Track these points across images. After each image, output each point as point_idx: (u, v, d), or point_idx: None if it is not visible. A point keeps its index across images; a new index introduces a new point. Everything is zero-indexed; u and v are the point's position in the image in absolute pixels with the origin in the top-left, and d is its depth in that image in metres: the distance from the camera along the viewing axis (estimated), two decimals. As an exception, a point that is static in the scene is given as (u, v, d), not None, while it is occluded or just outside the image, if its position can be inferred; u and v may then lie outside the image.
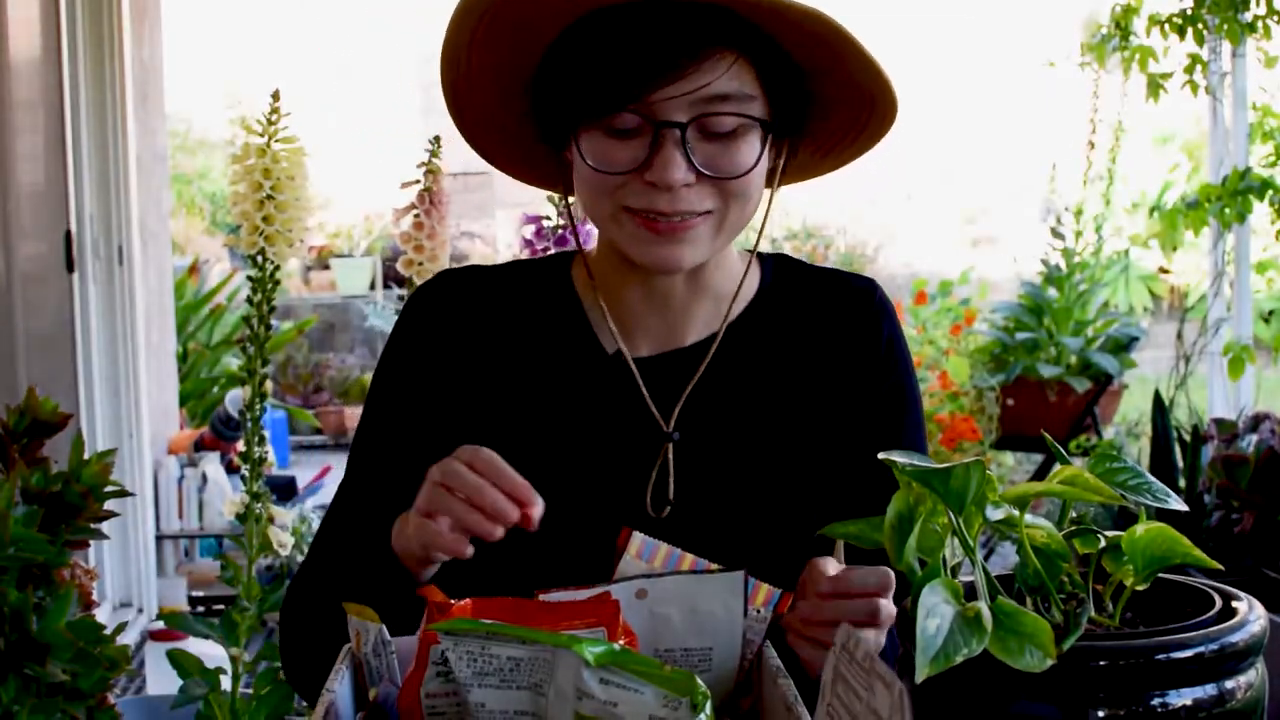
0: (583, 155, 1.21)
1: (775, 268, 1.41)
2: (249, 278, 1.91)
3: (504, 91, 1.29)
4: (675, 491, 1.30)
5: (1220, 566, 0.92)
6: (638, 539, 1.06)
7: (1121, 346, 4.82)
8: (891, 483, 1.10)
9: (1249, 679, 0.87)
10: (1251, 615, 0.88)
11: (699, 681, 0.83)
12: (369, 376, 2.81)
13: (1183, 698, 0.84)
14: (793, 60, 1.23)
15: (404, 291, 2.08)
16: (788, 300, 1.38)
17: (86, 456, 0.83)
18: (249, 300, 1.92)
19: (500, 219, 9.09)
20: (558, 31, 1.22)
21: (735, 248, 1.38)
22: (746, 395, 1.34)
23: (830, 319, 1.38)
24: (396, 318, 1.41)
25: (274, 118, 1.81)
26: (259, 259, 1.86)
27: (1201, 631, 0.86)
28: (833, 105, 1.29)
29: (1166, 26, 3.96)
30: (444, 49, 1.26)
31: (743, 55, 1.19)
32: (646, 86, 1.16)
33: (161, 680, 3.13)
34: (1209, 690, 0.85)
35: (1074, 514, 0.98)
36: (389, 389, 1.37)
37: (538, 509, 1.07)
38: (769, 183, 1.29)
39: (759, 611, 1.03)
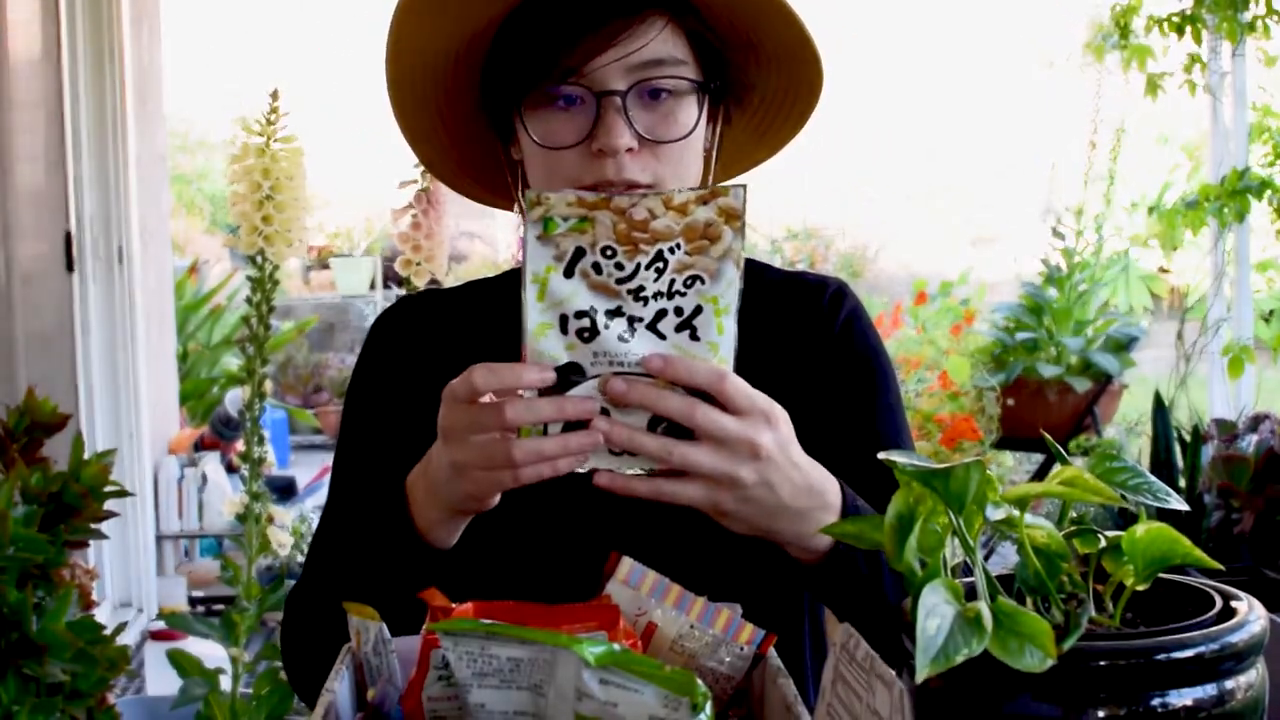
0: (530, 135, 1.25)
1: None
2: (248, 278, 1.92)
3: (448, 86, 1.32)
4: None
5: (1220, 566, 0.92)
6: (626, 564, 1.06)
7: (1122, 346, 4.82)
8: (869, 467, 1.15)
9: (1249, 679, 0.87)
10: (1252, 615, 0.88)
11: (699, 682, 0.83)
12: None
13: (1183, 698, 0.84)
14: (719, 27, 1.27)
15: (403, 291, 2.09)
16: (747, 301, 1.39)
17: (86, 456, 0.83)
18: (248, 300, 1.92)
19: (500, 219, 9.10)
20: (495, 14, 1.26)
21: None
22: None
23: (787, 315, 1.40)
24: (361, 345, 1.46)
25: (273, 118, 1.81)
26: (258, 259, 1.86)
27: (1201, 632, 0.86)
28: (762, 72, 1.33)
29: (1166, 26, 3.96)
30: (387, 48, 1.29)
31: (673, 19, 1.23)
32: (583, 55, 1.21)
33: (161, 680, 3.13)
34: (1209, 690, 0.85)
35: (1074, 514, 0.98)
36: (357, 416, 1.41)
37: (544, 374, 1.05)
38: (706, 164, 1.32)
39: (742, 649, 1.03)
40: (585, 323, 1.04)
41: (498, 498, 1.14)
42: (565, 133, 1.23)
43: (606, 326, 1.04)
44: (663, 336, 1.05)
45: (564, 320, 1.04)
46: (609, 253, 1.03)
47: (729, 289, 1.05)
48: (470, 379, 1.05)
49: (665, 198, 1.03)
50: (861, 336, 1.41)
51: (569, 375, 1.05)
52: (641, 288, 1.04)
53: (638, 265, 1.03)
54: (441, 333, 1.41)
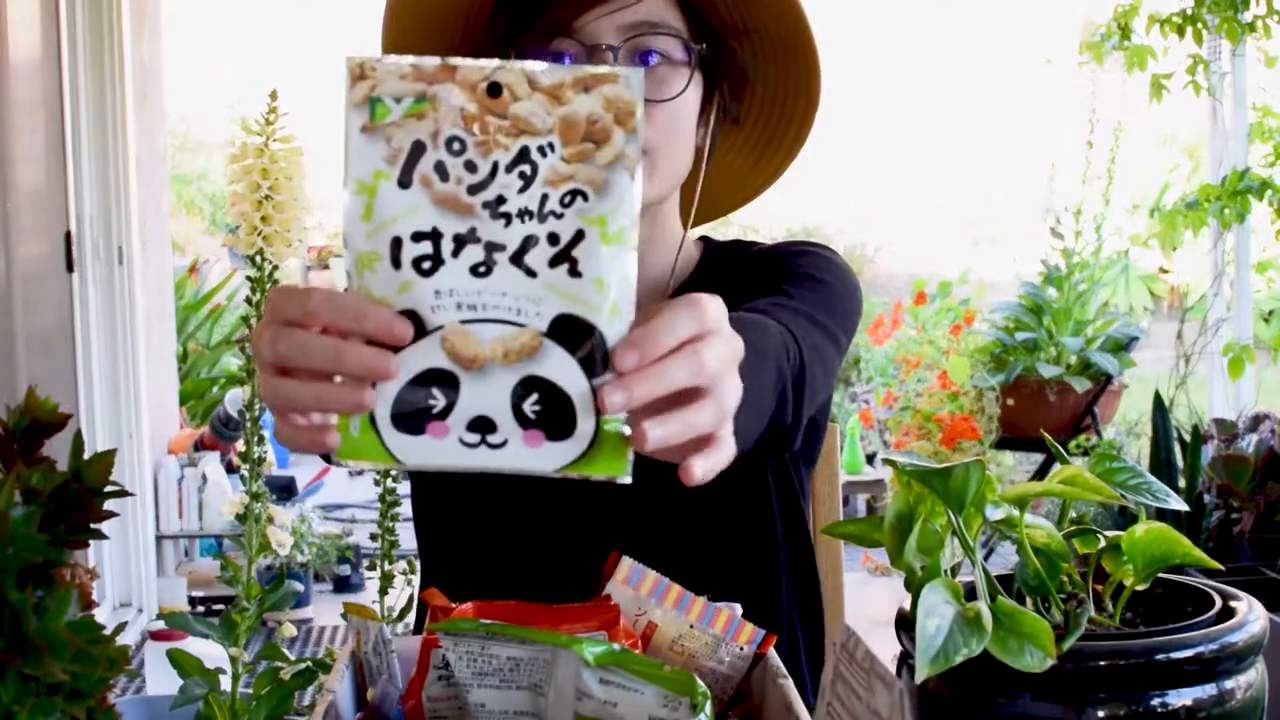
0: None
1: (717, 250, 1.42)
2: (248, 278, 1.91)
3: (454, 46, 1.33)
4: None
5: (1220, 566, 0.92)
6: (625, 564, 1.06)
7: (1121, 346, 4.82)
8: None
9: (1249, 679, 0.87)
10: (1251, 615, 0.88)
11: (699, 682, 0.83)
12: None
13: (1182, 698, 0.84)
14: (716, 11, 1.27)
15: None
16: (719, 276, 1.39)
17: (86, 456, 0.83)
18: (248, 300, 1.92)
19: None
20: None
21: (685, 238, 1.39)
22: None
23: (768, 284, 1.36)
24: None
25: (272, 117, 1.81)
26: (257, 259, 1.86)
27: (1201, 631, 0.86)
28: (758, 61, 1.32)
29: (1166, 26, 3.96)
30: (388, 19, 1.31)
31: None
32: (575, 10, 1.20)
33: (161, 680, 3.13)
34: (1209, 690, 0.85)
35: (1074, 514, 0.98)
36: None
37: (402, 328, 0.76)
38: (697, 160, 1.30)
39: (742, 649, 1.03)
40: (426, 249, 0.77)
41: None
42: None
43: (455, 255, 0.77)
44: (532, 273, 0.77)
45: (397, 246, 0.77)
46: (456, 147, 0.77)
47: (621, 207, 0.77)
48: (306, 302, 0.78)
49: (528, 72, 0.77)
50: (802, 254, 1.35)
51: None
52: (501, 199, 0.77)
53: (494, 165, 0.77)
54: None
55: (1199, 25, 3.90)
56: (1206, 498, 3.12)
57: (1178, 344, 4.25)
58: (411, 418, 0.76)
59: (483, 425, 0.77)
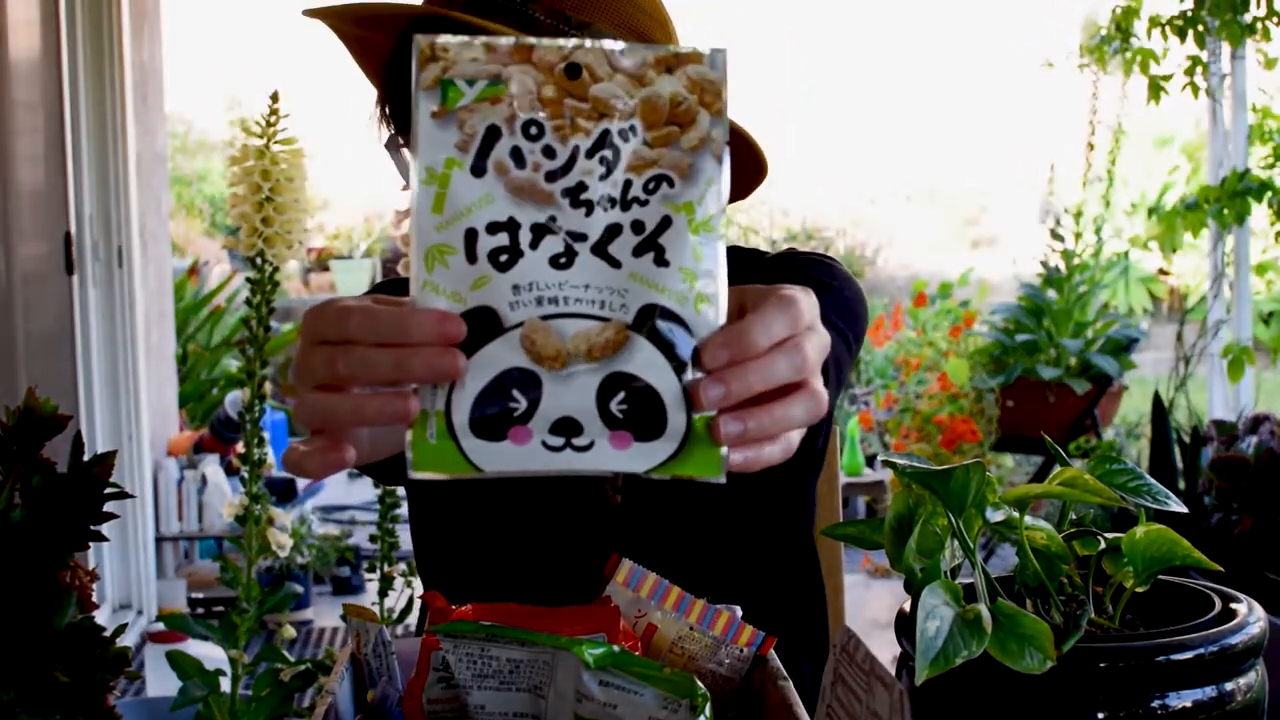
0: None
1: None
2: (248, 280, 1.91)
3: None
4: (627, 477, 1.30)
5: (1220, 568, 0.92)
6: (625, 566, 1.05)
7: (1121, 348, 4.82)
8: None
9: (1249, 681, 0.87)
10: (1251, 617, 0.89)
11: (699, 684, 0.83)
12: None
13: (1182, 699, 0.84)
14: None
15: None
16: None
17: (86, 457, 0.83)
18: (248, 302, 1.92)
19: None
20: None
21: None
22: None
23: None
24: None
25: (273, 119, 1.81)
26: (258, 261, 1.86)
27: (1201, 633, 0.86)
28: None
29: (1166, 28, 3.96)
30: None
31: None
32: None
33: (161, 682, 3.13)
34: (1209, 692, 0.85)
35: (1074, 516, 0.98)
36: None
37: (454, 327, 0.70)
38: None
39: (741, 651, 1.03)
40: (503, 240, 0.72)
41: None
42: None
43: (534, 247, 0.72)
44: (616, 264, 0.73)
45: (472, 238, 0.72)
46: (533, 131, 0.72)
47: (708, 193, 0.73)
48: (345, 322, 0.73)
49: (608, 52, 0.73)
50: (825, 273, 1.36)
51: (479, 325, 0.72)
52: (582, 185, 0.73)
53: (574, 151, 0.72)
54: None
55: (1199, 27, 3.90)
56: (1206, 499, 3.12)
57: (1177, 346, 4.25)
58: (492, 422, 0.71)
59: (568, 427, 0.72)
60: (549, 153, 0.72)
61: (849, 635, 0.82)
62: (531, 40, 0.72)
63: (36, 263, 3.79)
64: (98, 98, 4.17)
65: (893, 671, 0.77)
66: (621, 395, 0.72)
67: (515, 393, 0.71)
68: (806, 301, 0.77)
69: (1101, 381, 4.71)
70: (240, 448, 1.88)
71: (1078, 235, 4.99)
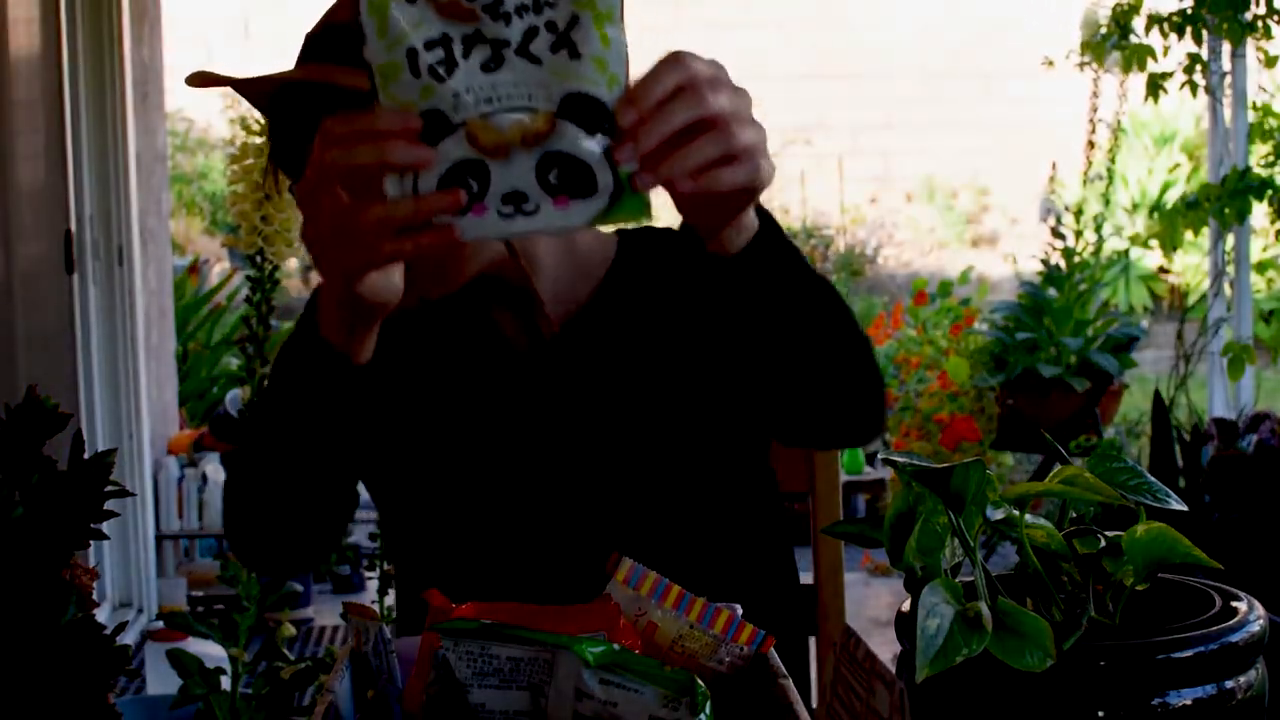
0: None
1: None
2: (248, 278, 1.92)
3: None
4: (561, 395, 1.32)
5: (1220, 566, 0.92)
6: (626, 565, 1.05)
7: (1121, 346, 4.82)
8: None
9: (1249, 679, 0.87)
10: (1251, 615, 0.88)
11: (699, 682, 0.83)
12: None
13: (1183, 698, 0.84)
14: None
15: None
16: (645, 252, 1.39)
17: (86, 456, 0.83)
18: (248, 300, 1.93)
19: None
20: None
21: None
22: (636, 319, 1.34)
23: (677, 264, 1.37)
24: None
25: (274, 118, 1.81)
26: (258, 259, 1.86)
27: (1201, 632, 0.86)
28: None
29: (1166, 26, 3.96)
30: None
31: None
32: None
33: (161, 680, 3.13)
34: (1209, 690, 0.85)
35: (1074, 514, 0.98)
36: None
37: (415, 120, 0.88)
38: None
39: (742, 649, 1.03)
40: (439, 54, 0.87)
41: (390, 287, 1.04)
42: None
43: (466, 56, 0.87)
44: (537, 60, 0.87)
45: (412, 57, 0.86)
46: None
47: None
48: (323, 129, 0.91)
49: None
50: None
51: (431, 126, 0.88)
52: (499, 2, 0.87)
53: None
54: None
55: (1199, 25, 3.90)
56: (1206, 498, 3.12)
57: (1178, 344, 4.24)
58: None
59: (515, 199, 0.88)
60: None
61: (849, 633, 0.82)
62: None
63: (36, 261, 3.79)
64: (98, 97, 4.17)
65: (893, 670, 0.78)
66: (556, 169, 0.88)
67: (469, 180, 0.88)
68: (695, 61, 0.91)
69: (1102, 380, 4.71)
70: (240, 446, 1.88)
71: (1078, 233, 4.99)
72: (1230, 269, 4.15)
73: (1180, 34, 3.94)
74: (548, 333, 1.31)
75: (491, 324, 1.34)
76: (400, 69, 0.87)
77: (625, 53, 0.88)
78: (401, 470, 1.35)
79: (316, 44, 1.25)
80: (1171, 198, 7.02)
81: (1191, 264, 7.74)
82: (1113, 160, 5.00)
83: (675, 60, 0.91)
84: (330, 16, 1.25)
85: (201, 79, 1.26)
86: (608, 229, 1.21)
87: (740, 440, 1.38)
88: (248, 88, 1.27)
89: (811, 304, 1.15)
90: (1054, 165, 5.44)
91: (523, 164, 0.88)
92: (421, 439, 1.33)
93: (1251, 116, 4.13)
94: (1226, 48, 4.01)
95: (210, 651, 1.99)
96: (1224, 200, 3.96)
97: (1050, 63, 4.45)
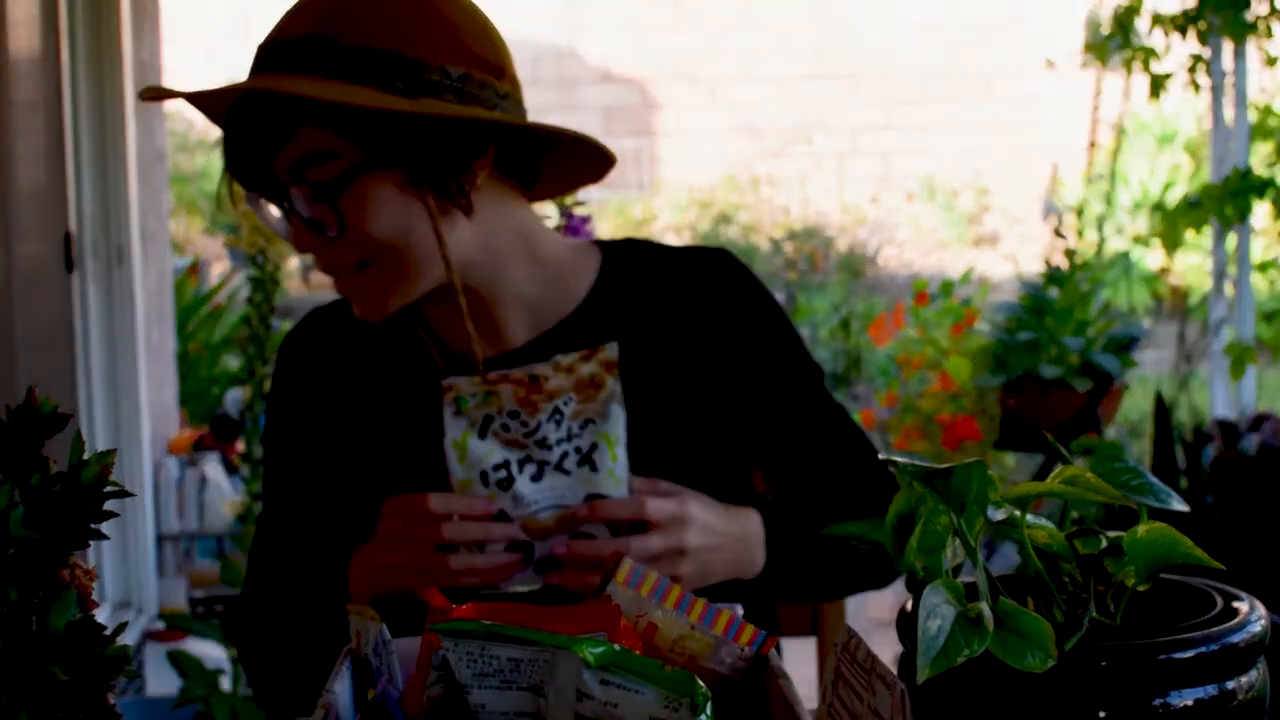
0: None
1: (615, 256, 1.44)
2: (249, 277, 1.92)
3: None
4: None
5: (1222, 567, 0.91)
6: (626, 565, 1.06)
7: (1123, 346, 4.81)
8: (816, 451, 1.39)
9: (1251, 679, 0.87)
10: (1253, 616, 0.88)
11: (700, 682, 0.83)
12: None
13: (1184, 698, 0.84)
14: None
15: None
16: (628, 285, 1.42)
17: (86, 456, 0.83)
18: (249, 300, 1.93)
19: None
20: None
21: (565, 247, 1.42)
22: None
23: (677, 290, 1.41)
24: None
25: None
26: (259, 259, 1.86)
27: (1203, 632, 0.86)
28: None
29: (1168, 25, 3.96)
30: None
31: (309, 124, 1.25)
32: (252, 162, 1.28)
33: (161, 681, 3.13)
34: (1211, 691, 0.85)
35: (1075, 514, 0.98)
36: (275, 430, 1.46)
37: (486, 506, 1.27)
38: (435, 219, 1.30)
39: (743, 650, 1.03)
40: (503, 474, 1.26)
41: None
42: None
43: (520, 473, 1.27)
44: (567, 472, 1.27)
45: (484, 475, 1.26)
46: (514, 415, 1.27)
47: (617, 424, 1.27)
48: (426, 501, 1.23)
49: (555, 363, 1.28)
50: (765, 316, 1.44)
51: (498, 518, 1.27)
52: (545, 438, 1.27)
53: (539, 421, 1.27)
54: (342, 346, 1.44)
55: (1201, 25, 3.90)
56: (1208, 498, 3.12)
57: (1179, 344, 4.24)
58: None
59: (548, 564, 1.27)
60: (523, 424, 1.28)
61: (850, 634, 0.82)
62: (507, 372, 1.29)
63: (36, 261, 3.79)
64: (97, 97, 4.17)
65: (894, 670, 0.77)
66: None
67: (520, 551, 1.28)
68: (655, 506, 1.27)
69: (1103, 380, 4.71)
70: (241, 446, 1.88)
71: (1080, 233, 4.98)
72: (1232, 269, 4.15)
73: (1182, 34, 3.94)
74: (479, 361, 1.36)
75: (421, 345, 1.41)
76: (473, 483, 1.27)
77: (626, 464, 1.29)
78: (368, 509, 1.37)
79: (269, 55, 1.27)
80: (1173, 198, 7.01)
81: (1193, 264, 7.73)
82: (1115, 160, 5.00)
83: (680, 512, 1.27)
84: (280, 32, 1.28)
85: (155, 93, 1.30)
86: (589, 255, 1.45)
87: (724, 463, 1.43)
88: (202, 101, 1.31)
89: (826, 575, 1.41)
90: (1055, 165, 5.44)
91: (557, 543, 1.27)
92: (394, 474, 1.39)
93: (1253, 116, 4.13)
94: (1228, 47, 4.00)
95: (210, 652, 1.99)
96: (1225, 200, 3.96)
97: (1052, 64, 4.45)
